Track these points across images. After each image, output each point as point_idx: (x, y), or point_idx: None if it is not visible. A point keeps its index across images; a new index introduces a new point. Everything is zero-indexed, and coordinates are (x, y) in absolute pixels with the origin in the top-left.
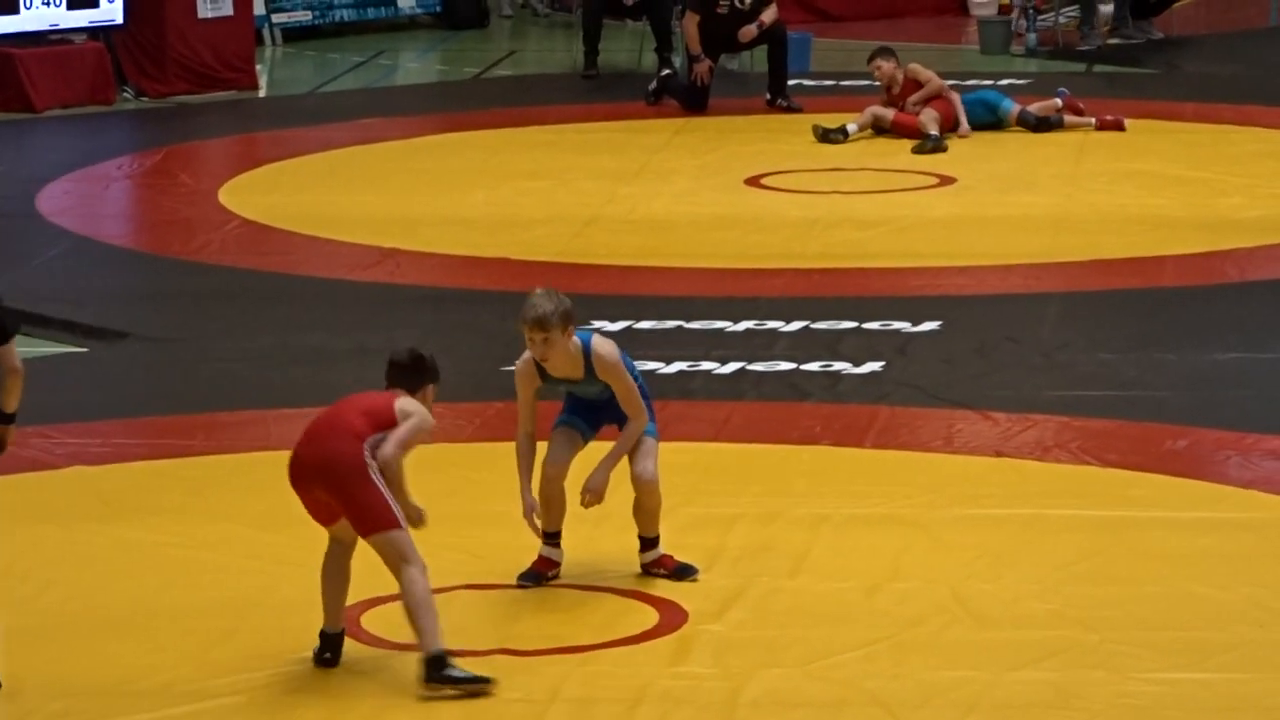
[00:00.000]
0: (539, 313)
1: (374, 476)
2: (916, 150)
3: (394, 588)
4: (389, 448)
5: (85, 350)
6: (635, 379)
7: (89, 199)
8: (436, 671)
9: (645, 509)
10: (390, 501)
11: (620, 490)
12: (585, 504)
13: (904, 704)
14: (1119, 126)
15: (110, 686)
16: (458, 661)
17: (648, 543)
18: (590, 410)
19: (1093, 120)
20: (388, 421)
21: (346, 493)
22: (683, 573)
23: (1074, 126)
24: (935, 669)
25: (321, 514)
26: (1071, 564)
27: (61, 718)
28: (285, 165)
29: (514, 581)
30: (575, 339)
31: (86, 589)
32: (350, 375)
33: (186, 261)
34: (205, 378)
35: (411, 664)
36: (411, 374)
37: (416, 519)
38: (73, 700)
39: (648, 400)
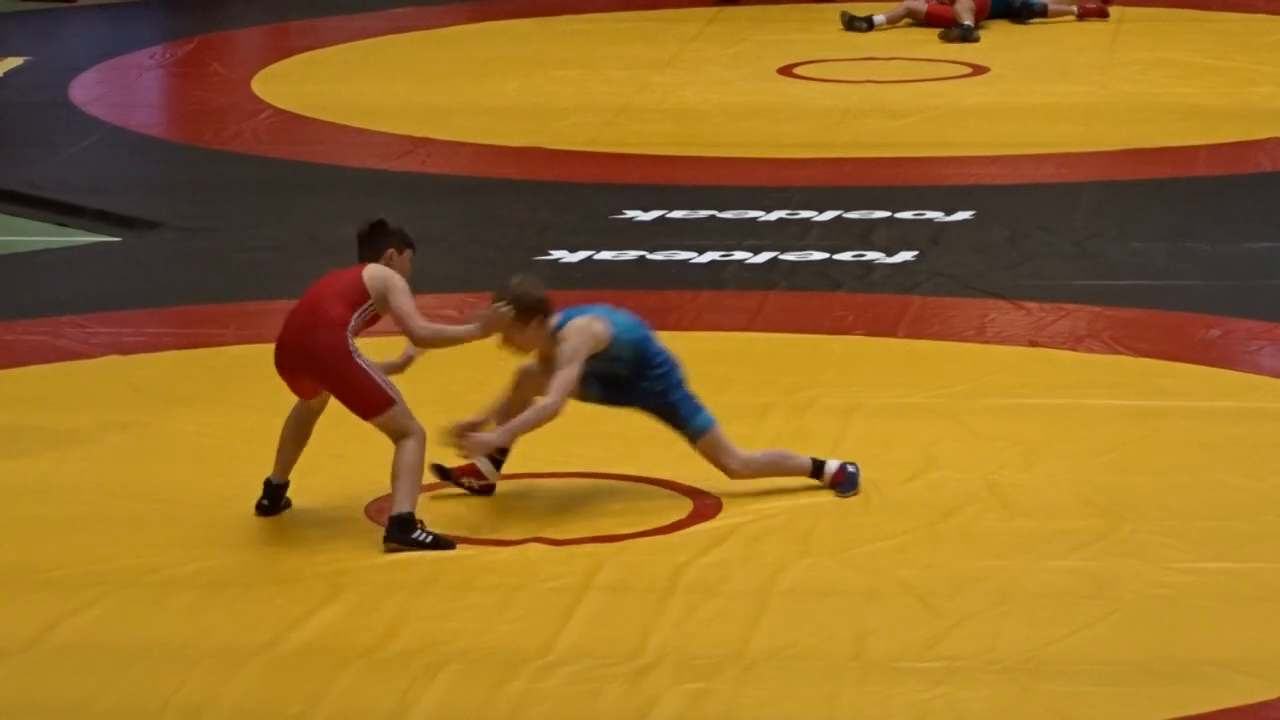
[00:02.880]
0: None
1: (358, 361)
2: (944, 38)
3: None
4: (415, 330)
5: (118, 240)
6: (665, 364)
7: (122, 89)
8: (401, 533)
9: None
10: (379, 380)
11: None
12: (459, 447)
13: (936, 593)
14: (1103, 14)
15: (139, 575)
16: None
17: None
18: (612, 387)
19: (1075, 9)
20: (360, 296)
21: (335, 381)
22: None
23: (1057, 15)
24: (967, 558)
25: (305, 392)
26: (1103, 453)
27: (94, 605)
28: (317, 55)
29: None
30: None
31: (118, 479)
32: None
33: (219, 151)
34: (237, 267)
35: (451, 553)
36: (372, 241)
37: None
38: (104, 588)
39: (683, 389)
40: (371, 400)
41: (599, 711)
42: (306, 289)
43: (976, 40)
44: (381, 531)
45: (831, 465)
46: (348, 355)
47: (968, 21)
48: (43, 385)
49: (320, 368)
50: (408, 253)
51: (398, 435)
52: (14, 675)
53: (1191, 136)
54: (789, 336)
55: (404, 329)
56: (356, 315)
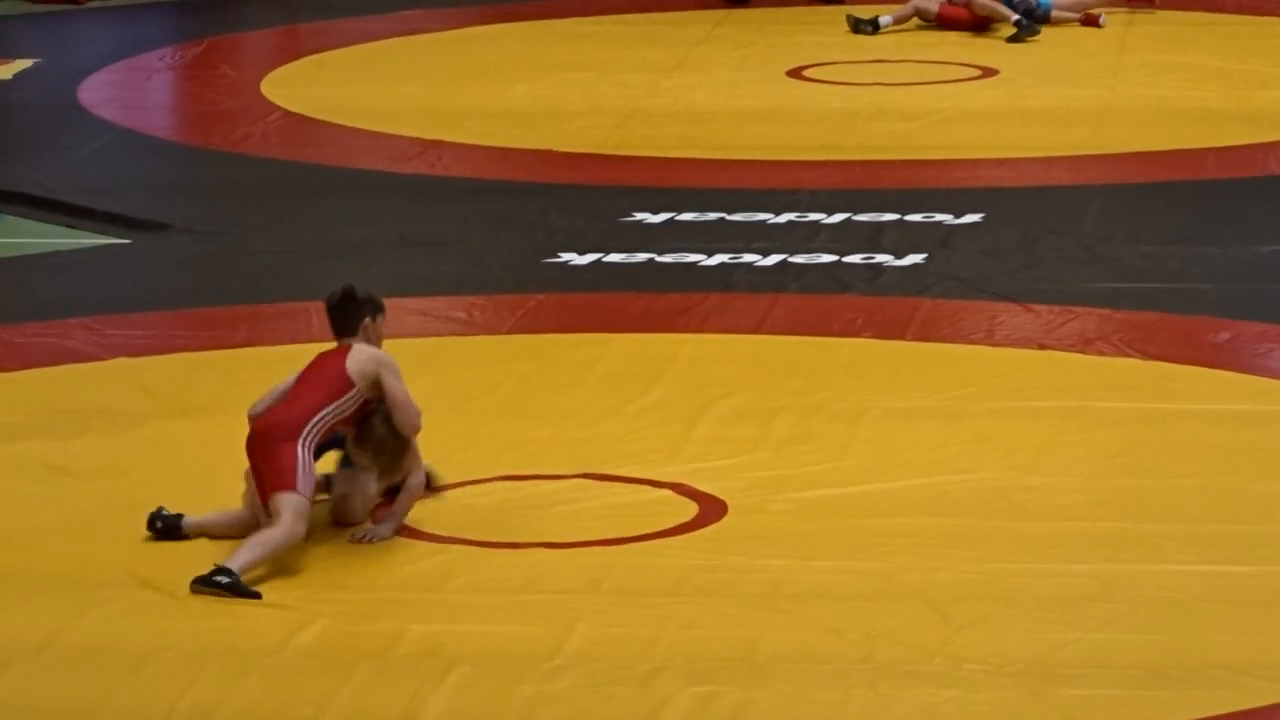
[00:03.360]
0: None
1: (302, 447)
2: (1012, 39)
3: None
4: (411, 417)
5: (128, 242)
6: None
7: (131, 91)
8: (214, 578)
9: None
10: (308, 468)
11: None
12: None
13: (945, 597)
14: (1094, 22)
15: (147, 579)
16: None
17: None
18: None
19: (1079, 16)
20: (344, 386)
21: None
22: None
23: (1060, 21)
24: (976, 561)
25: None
26: (1113, 457)
27: (102, 608)
28: (327, 57)
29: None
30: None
31: (128, 481)
32: (391, 267)
33: (228, 153)
34: (247, 270)
35: (459, 557)
36: (345, 315)
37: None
38: (113, 591)
39: None
40: (287, 477)
41: (608, 715)
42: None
43: (1038, 33)
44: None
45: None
46: (296, 435)
47: (1016, 16)
48: (52, 388)
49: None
50: (381, 317)
51: (282, 520)
52: (23, 679)
53: (1201, 140)
54: (798, 339)
55: (398, 415)
56: (333, 408)
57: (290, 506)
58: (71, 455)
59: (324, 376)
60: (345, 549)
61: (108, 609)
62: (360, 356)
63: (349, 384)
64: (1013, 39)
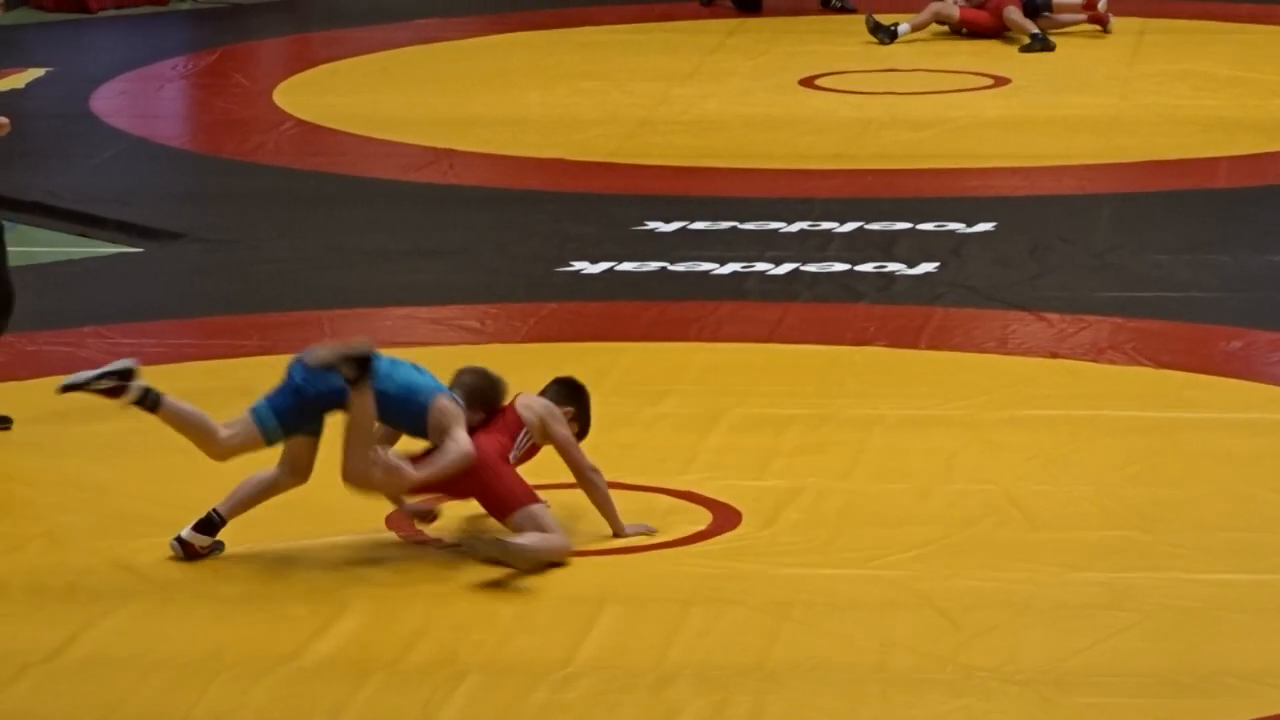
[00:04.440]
0: None
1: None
2: (1025, 50)
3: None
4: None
5: (140, 251)
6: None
7: (144, 100)
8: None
9: None
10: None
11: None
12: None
13: (956, 605)
14: (1102, 22)
15: (159, 586)
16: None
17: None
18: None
19: (1084, 16)
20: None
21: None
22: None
23: (1068, 24)
24: (988, 570)
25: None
26: (1125, 465)
27: (114, 616)
28: (340, 65)
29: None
30: None
31: (140, 489)
32: (404, 276)
33: (241, 162)
34: (259, 278)
35: (471, 565)
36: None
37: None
38: (125, 599)
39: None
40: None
41: None
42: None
43: (1053, 48)
44: (400, 542)
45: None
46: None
47: (1035, 30)
48: (65, 396)
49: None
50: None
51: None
52: (36, 688)
53: (1213, 148)
54: (810, 348)
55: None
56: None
57: (537, 519)
58: (83, 463)
59: (501, 438)
60: (357, 559)
61: (119, 617)
62: (526, 403)
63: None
64: (1026, 49)
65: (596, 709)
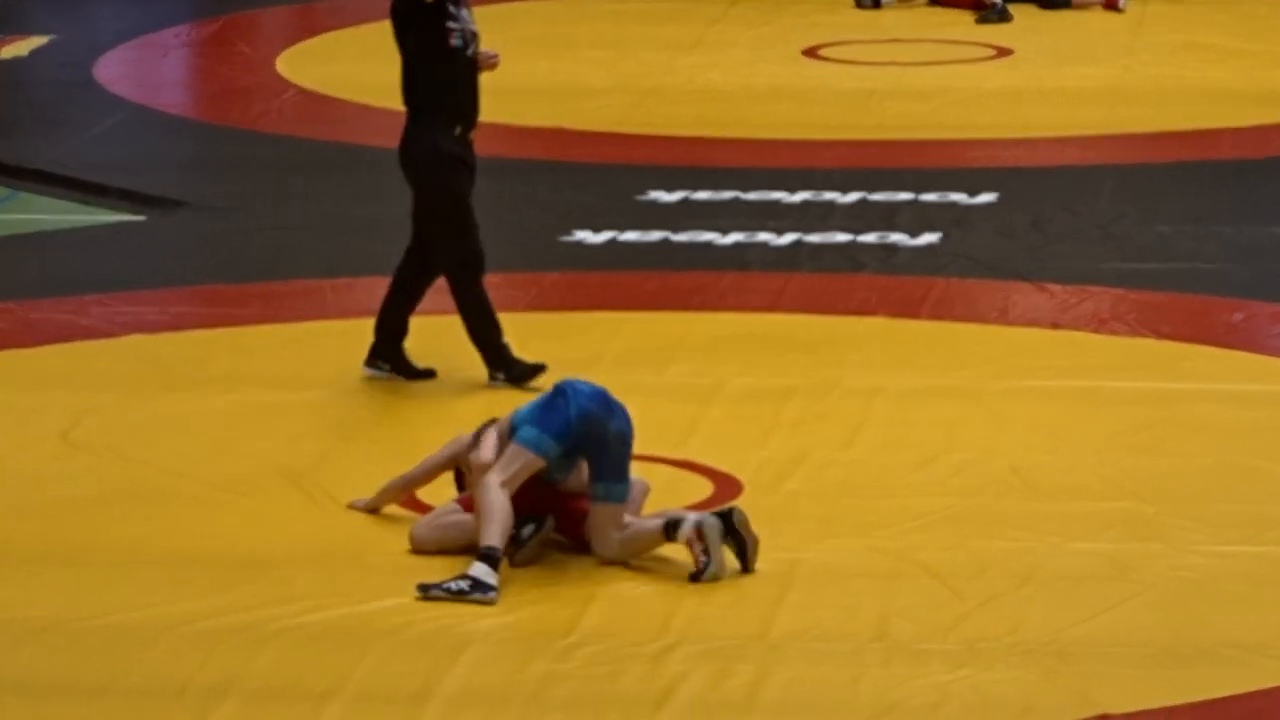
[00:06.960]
0: None
1: None
2: (980, 20)
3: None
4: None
5: (143, 218)
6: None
7: (146, 68)
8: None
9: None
10: None
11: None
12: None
13: (959, 575)
14: (1114, 6)
15: (160, 554)
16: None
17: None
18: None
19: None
20: None
21: None
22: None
23: (1083, 6)
24: (990, 540)
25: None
26: (1127, 436)
27: (125, 582)
28: (343, 34)
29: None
30: None
31: (141, 458)
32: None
33: (243, 130)
34: (261, 246)
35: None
36: None
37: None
38: (127, 567)
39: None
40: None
41: (621, 692)
42: None
43: (1010, 19)
44: (401, 514)
45: (686, 527)
46: None
47: (997, 1)
48: (67, 364)
49: None
50: None
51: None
52: (39, 655)
53: (1217, 120)
54: (812, 318)
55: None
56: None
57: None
58: (85, 431)
59: None
60: (359, 527)
61: (121, 584)
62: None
63: None
64: (982, 19)
65: (598, 678)
